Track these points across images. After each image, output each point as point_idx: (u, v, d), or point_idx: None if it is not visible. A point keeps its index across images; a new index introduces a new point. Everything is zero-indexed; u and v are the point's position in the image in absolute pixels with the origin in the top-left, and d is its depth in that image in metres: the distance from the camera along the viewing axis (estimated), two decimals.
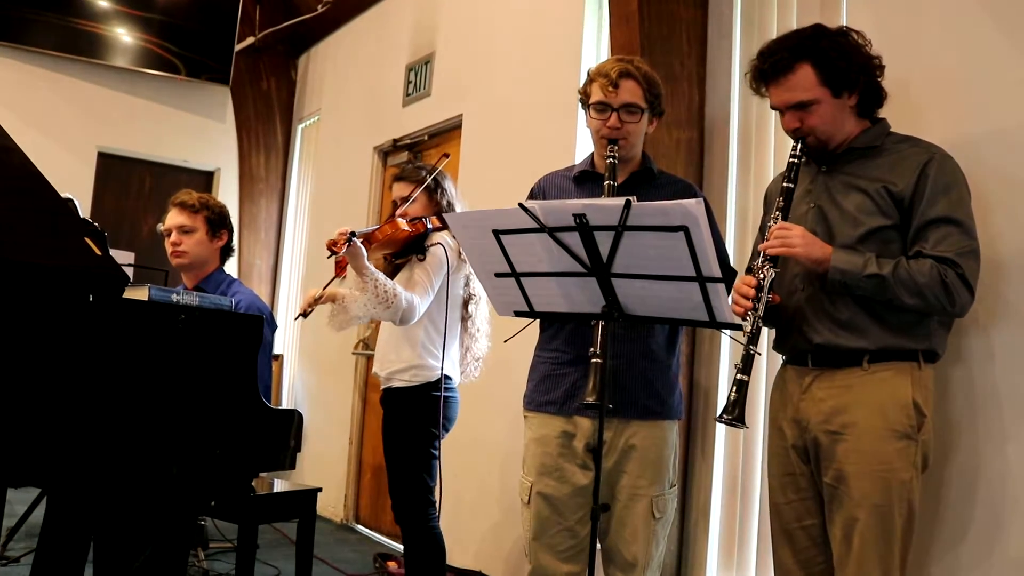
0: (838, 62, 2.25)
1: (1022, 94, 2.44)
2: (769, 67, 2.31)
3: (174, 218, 3.33)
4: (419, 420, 3.20)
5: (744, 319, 2.23)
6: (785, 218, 2.30)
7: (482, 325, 3.40)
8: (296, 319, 3.33)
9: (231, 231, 3.44)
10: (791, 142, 2.36)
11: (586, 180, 2.64)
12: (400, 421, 3.24)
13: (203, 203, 3.35)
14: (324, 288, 3.24)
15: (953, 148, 2.31)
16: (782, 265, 2.30)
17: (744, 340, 2.21)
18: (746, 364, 2.19)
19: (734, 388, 2.18)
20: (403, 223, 3.20)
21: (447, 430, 3.25)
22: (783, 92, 2.30)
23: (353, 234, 3.00)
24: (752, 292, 2.23)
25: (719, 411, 2.21)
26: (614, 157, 2.48)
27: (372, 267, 3.06)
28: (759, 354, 2.30)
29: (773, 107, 2.37)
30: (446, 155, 3.46)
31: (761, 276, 2.23)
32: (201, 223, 3.33)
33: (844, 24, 2.73)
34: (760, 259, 2.27)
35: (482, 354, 3.41)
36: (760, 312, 2.21)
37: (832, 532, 2.25)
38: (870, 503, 2.15)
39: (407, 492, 3.20)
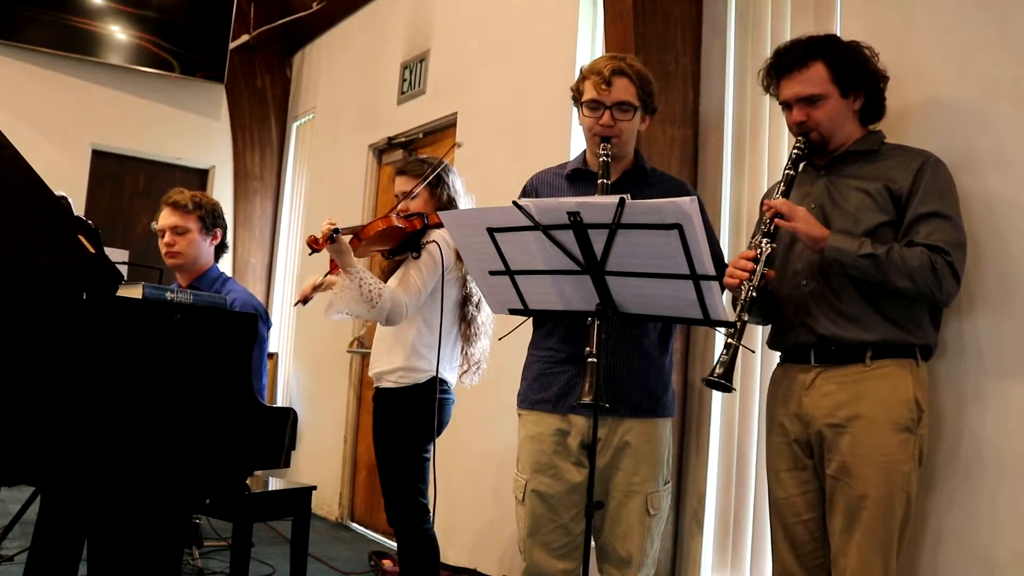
0: (849, 63, 2.38)
1: (1012, 92, 2.46)
2: (785, 61, 2.42)
3: (167, 218, 3.32)
4: (408, 422, 3.14)
5: (739, 288, 2.28)
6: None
7: (482, 328, 3.29)
8: (295, 305, 3.26)
9: (225, 229, 3.42)
10: (785, 140, 2.43)
11: (579, 178, 2.64)
12: (389, 423, 3.19)
13: (196, 203, 3.34)
14: (325, 276, 3.18)
15: (942, 142, 2.39)
16: (782, 260, 2.39)
17: (736, 309, 2.25)
18: (738, 331, 2.23)
19: (724, 351, 2.21)
20: (396, 218, 3.12)
21: (439, 433, 3.19)
22: (795, 85, 2.41)
23: (337, 230, 2.92)
24: (750, 264, 2.28)
25: (709, 371, 2.23)
26: (607, 155, 2.48)
27: (358, 265, 2.99)
28: (752, 351, 2.32)
29: (782, 101, 2.46)
30: (458, 144, 3.37)
31: (758, 250, 2.29)
32: (194, 223, 3.31)
33: (838, 27, 2.80)
34: (759, 234, 2.33)
35: (480, 357, 3.31)
36: (755, 283, 2.26)
37: (832, 523, 2.30)
38: (874, 493, 2.22)
39: (398, 495, 3.15)
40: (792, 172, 2.39)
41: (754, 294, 2.25)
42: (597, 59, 2.63)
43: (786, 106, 2.46)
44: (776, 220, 2.29)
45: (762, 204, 2.66)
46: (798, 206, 2.32)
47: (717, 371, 2.20)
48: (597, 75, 2.52)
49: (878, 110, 2.47)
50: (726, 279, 2.31)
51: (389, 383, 3.18)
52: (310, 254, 2.96)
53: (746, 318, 2.24)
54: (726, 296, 2.41)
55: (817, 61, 2.38)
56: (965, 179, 2.44)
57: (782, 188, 2.38)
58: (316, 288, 3.19)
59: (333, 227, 2.92)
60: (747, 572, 3.19)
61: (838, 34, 2.93)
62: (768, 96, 2.54)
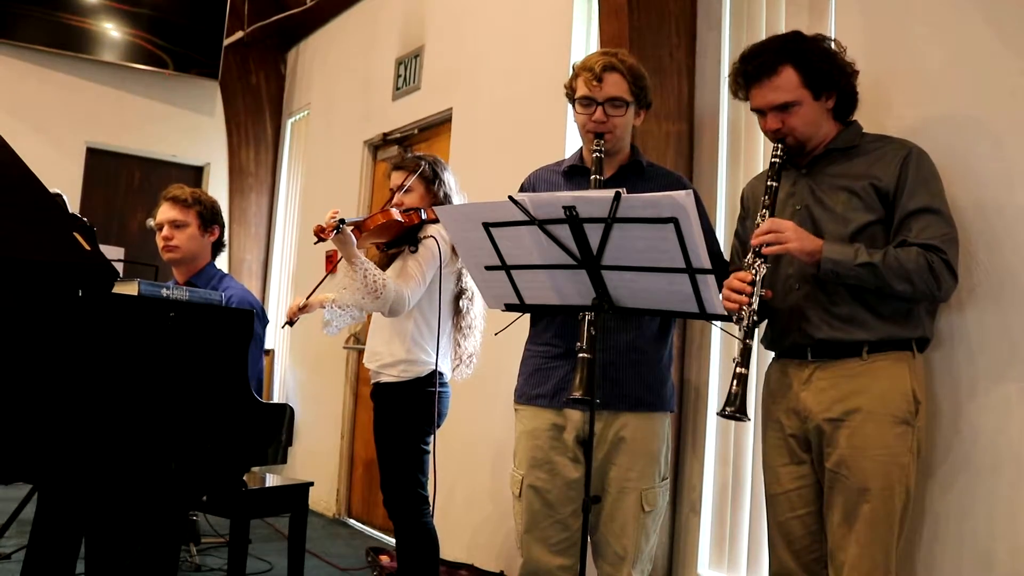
0: (819, 64, 2.33)
1: (1007, 87, 2.46)
2: (753, 69, 2.38)
3: (166, 212, 3.32)
4: (409, 415, 3.19)
5: (738, 314, 2.25)
6: (772, 216, 2.33)
7: (475, 321, 3.35)
8: (283, 327, 3.31)
9: (223, 226, 3.43)
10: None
11: (575, 174, 2.64)
12: (390, 416, 3.22)
13: (195, 198, 3.34)
14: (308, 297, 3.22)
15: (935, 139, 2.37)
16: (774, 264, 2.35)
17: (740, 335, 2.23)
18: (744, 357, 2.21)
19: (735, 381, 2.19)
20: (396, 212, 3.16)
21: (438, 425, 3.23)
22: (767, 93, 2.37)
23: (343, 221, 2.96)
24: (747, 288, 2.25)
25: (720, 405, 2.22)
26: (600, 151, 2.48)
27: (362, 256, 3.03)
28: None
29: (754, 109, 2.43)
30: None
31: (753, 271, 2.26)
32: (193, 218, 3.31)
33: (832, 22, 2.77)
34: (751, 255, 2.29)
35: (474, 350, 3.37)
36: (755, 306, 2.23)
37: (830, 517, 2.29)
38: (873, 487, 2.21)
39: (398, 487, 3.19)
40: (775, 183, 2.34)
41: (755, 318, 2.23)
42: (589, 55, 2.62)
43: (759, 112, 2.42)
44: (768, 251, 2.25)
45: (743, 199, 2.65)
46: (785, 221, 2.28)
47: (728, 410, 2.18)
48: (588, 71, 2.51)
49: (851, 104, 2.42)
50: (724, 303, 2.27)
51: (390, 377, 3.22)
52: (316, 243, 3.00)
53: (751, 343, 2.22)
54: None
55: (786, 66, 2.33)
56: (958, 177, 2.43)
57: (766, 201, 2.33)
58: (302, 310, 3.23)
59: (340, 218, 2.95)
60: (744, 568, 3.19)
61: (831, 29, 2.93)
62: (750, 106, 2.48)
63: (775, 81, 2.34)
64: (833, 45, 2.39)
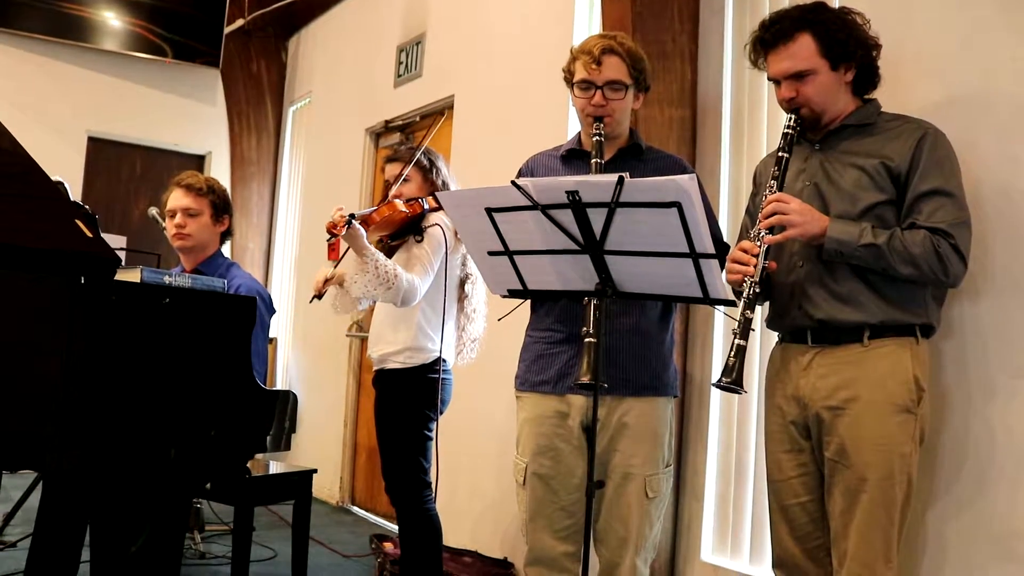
0: (838, 34, 2.28)
1: (1015, 71, 2.45)
2: (770, 35, 2.34)
3: (179, 199, 3.30)
4: (413, 402, 3.20)
5: (741, 285, 2.24)
6: (780, 189, 2.30)
7: (479, 306, 3.37)
8: (311, 301, 3.27)
9: (232, 216, 3.43)
10: (784, 119, 2.38)
11: (573, 158, 2.63)
12: (394, 403, 3.23)
13: (209, 186, 3.34)
14: (335, 267, 3.19)
15: (944, 123, 2.33)
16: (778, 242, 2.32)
17: (741, 306, 2.20)
18: (744, 329, 2.18)
19: (732, 352, 2.17)
20: (400, 204, 3.20)
21: (441, 412, 3.25)
22: (782, 60, 2.32)
23: (352, 216, 2.98)
24: (751, 259, 2.23)
25: (716, 376, 2.19)
26: (600, 135, 2.47)
27: (372, 248, 3.06)
28: (753, 330, 2.30)
29: (770, 77, 2.39)
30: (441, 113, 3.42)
31: (758, 243, 2.24)
32: (206, 206, 3.31)
33: (837, 5, 2.74)
34: (757, 226, 2.27)
35: (478, 335, 3.39)
36: (757, 278, 2.21)
37: (832, 506, 2.27)
38: (873, 476, 2.18)
39: (401, 474, 3.19)
40: (786, 155, 2.31)
41: (757, 290, 2.21)
42: (587, 39, 2.61)
43: (775, 81, 2.38)
44: (768, 239, 2.23)
45: (756, 176, 2.64)
46: (792, 199, 2.25)
47: (724, 379, 2.15)
48: (587, 55, 2.50)
49: (871, 79, 2.37)
50: (727, 275, 2.25)
51: (395, 364, 3.23)
52: (329, 239, 3.00)
53: (751, 315, 2.19)
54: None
55: (804, 33, 2.29)
56: (968, 160, 2.40)
57: (775, 172, 2.30)
58: (328, 281, 3.21)
59: (349, 213, 2.98)
60: (747, 554, 3.20)
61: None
62: (767, 75, 2.46)
63: (791, 48, 2.30)
64: (858, 19, 2.34)
